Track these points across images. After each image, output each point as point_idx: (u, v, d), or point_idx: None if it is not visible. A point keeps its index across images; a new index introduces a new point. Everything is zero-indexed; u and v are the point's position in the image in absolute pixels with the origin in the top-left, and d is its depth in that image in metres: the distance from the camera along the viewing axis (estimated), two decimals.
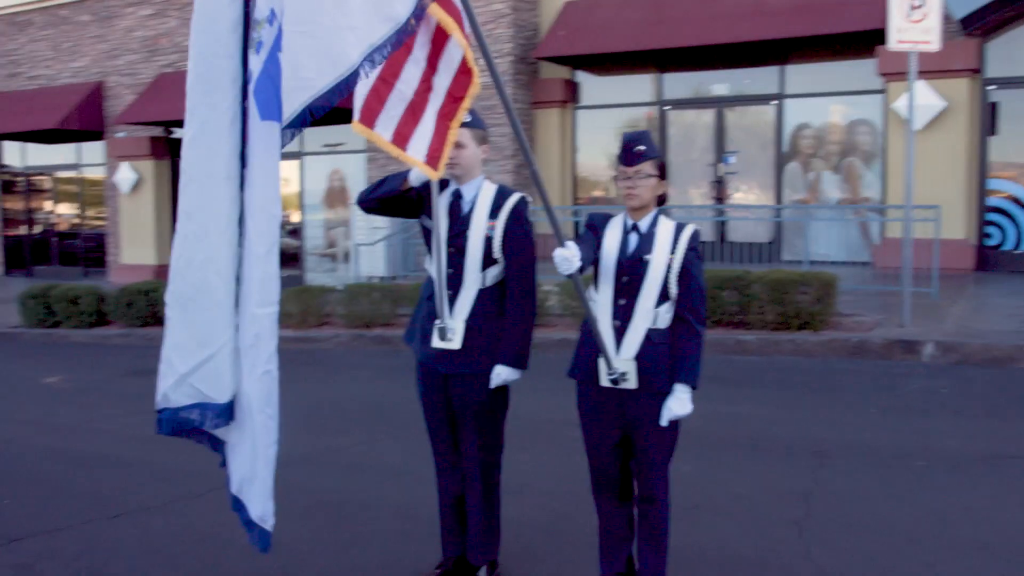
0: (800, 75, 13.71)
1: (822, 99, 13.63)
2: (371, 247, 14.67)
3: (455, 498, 4.09)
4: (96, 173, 19.96)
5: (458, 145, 3.84)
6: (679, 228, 3.62)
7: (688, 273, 3.55)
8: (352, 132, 15.70)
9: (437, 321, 3.91)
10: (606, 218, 3.74)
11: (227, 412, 3.27)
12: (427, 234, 4.00)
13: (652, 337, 3.56)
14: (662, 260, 3.56)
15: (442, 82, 3.78)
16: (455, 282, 3.91)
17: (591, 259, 3.58)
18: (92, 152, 19.81)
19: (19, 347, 12.33)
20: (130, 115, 17.66)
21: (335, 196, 17.11)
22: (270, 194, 3.04)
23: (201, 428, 3.32)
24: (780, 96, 13.83)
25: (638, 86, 14.97)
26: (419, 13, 2.99)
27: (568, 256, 3.32)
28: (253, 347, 3.10)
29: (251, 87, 3.00)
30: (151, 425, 7.28)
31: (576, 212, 14.34)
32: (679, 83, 14.71)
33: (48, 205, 21.00)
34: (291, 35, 2.83)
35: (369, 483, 5.59)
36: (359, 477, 5.73)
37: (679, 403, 3.54)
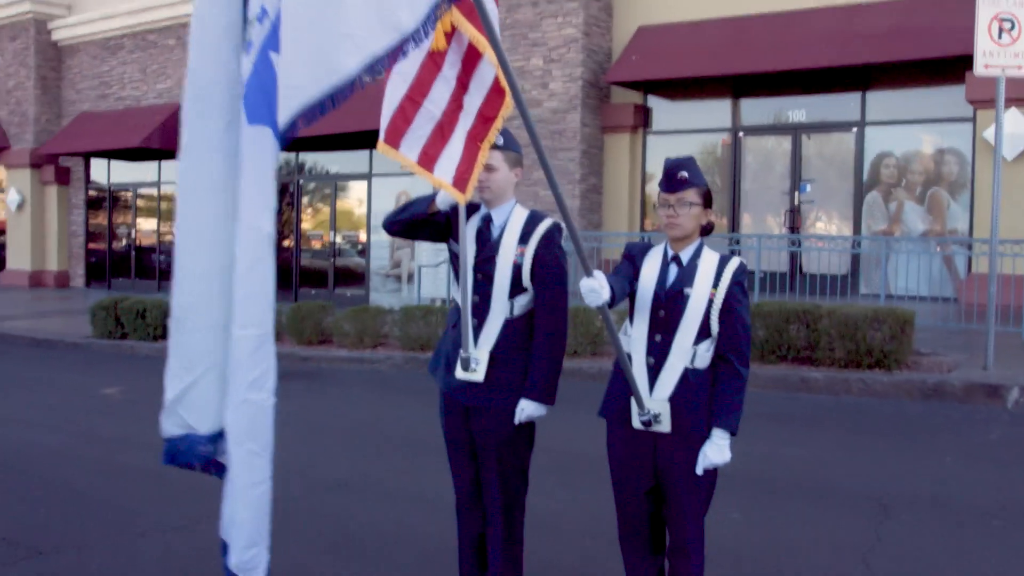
0: (883, 101, 13.20)
1: (906, 127, 13.10)
2: (435, 268, 14.57)
3: (475, 538, 3.85)
4: (174, 190, 20.29)
5: (489, 168, 3.63)
6: (724, 260, 3.34)
7: (732, 309, 3.27)
8: None
9: (461, 351, 3.68)
10: (645, 248, 3.48)
11: (212, 444, 3.01)
12: (455, 259, 3.79)
13: (689, 377, 3.28)
14: (703, 294, 3.28)
15: (473, 102, 3.58)
16: (481, 311, 3.68)
17: (625, 291, 3.32)
18: (171, 170, 20.19)
19: (87, 357, 12.46)
20: None
21: None
22: (258, 205, 2.76)
23: (197, 460, 3.09)
24: (861, 123, 13.33)
25: (712, 112, 14.61)
26: (430, 26, 2.75)
27: (595, 287, 3.06)
28: (234, 373, 2.83)
29: (241, 90, 2.80)
30: None
31: (644, 240, 14.02)
32: (755, 109, 14.32)
33: (129, 220, 21.41)
34: (286, 38, 2.63)
35: (401, 513, 5.37)
36: (391, 507, 5.50)
37: (716, 450, 3.24)
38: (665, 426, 3.28)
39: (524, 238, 3.64)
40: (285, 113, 2.63)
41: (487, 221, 3.73)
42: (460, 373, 3.69)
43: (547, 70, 14.93)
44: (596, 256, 14.15)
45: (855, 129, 13.38)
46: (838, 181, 13.65)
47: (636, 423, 3.31)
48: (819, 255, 12.95)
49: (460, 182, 3.55)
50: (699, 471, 3.27)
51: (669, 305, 3.30)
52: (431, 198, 3.68)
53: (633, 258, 3.45)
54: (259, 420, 2.85)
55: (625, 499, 3.43)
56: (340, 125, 16.21)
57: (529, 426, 3.72)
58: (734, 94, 14.32)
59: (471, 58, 3.52)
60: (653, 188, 15.30)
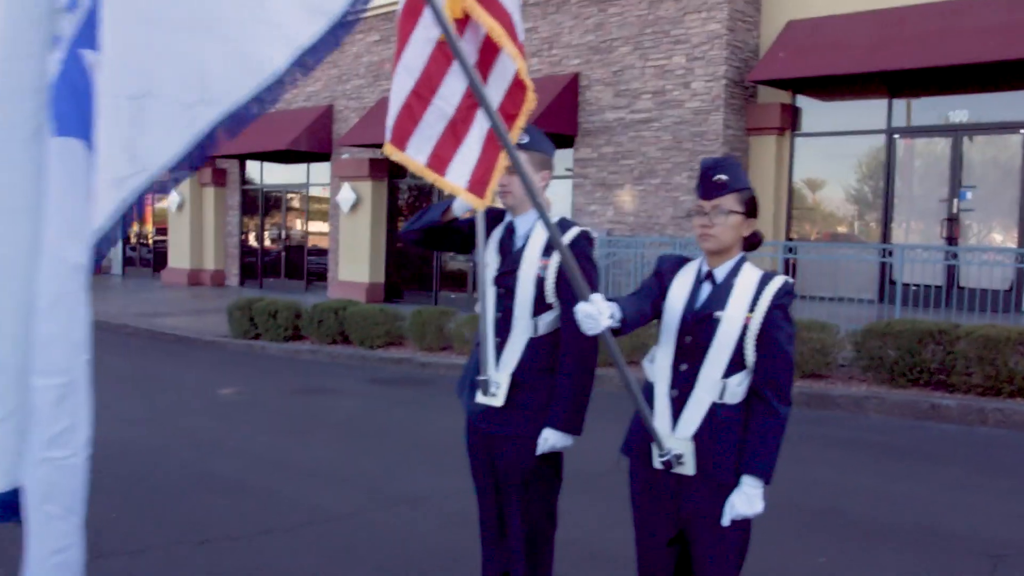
0: None
1: None
2: None
3: (499, 575, 3.50)
4: (322, 192, 20.75)
5: (511, 171, 3.26)
6: (765, 279, 2.87)
7: (770, 337, 2.79)
8: (559, 157, 15.23)
9: (480, 373, 3.35)
10: (679, 263, 3.04)
11: (8, 505, 2.41)
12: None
13: (717, 413, 2.83)
14: (737, 318, 2.81)
15: (493, 97, 3.21)
16: (503, 329, 3.33)
17: (645, 314, 2.89)
18: (320, 172, 20.62)
19: (220, 355, 12.75)
20: (352, 137, 18.17)
21: None
22: (65, 232, 2.20)
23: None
24: None
25: (866, 112, 13.63)
26: (361, 3, 2.34)
27: (591, 313, 2.63)
28: (34, 427, 2.32)
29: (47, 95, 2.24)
30: (289, 449, 7.15)
31: (791, 249, 13.23)
32: (912, 109, 13.27)
33: (279, 221, 22.03)
34: (184, 33, 2.20)
35: (462, 535, 5.06)
36: (455, 527, 5.20)
37: (745, 500, 2.77)
38: (689, 468, 2.84)
39: (548, 249, 3.27)
40: (199, 127, 2.23)
41: (510, 230, 3.38)
42: (480, 397, 3.35)
43: (689, 68, 14.34)
44: None
45: (1023, 131, 12.22)
46: (1002, 187, 12.47)
47: (656, 463, 2.89)
48: (979, 268, 11.86)
49: (477, 187, 3.20)
50: (725, 523, 2.81)
51: (697, 330, 2.85)
52: (447, 205, 3.36)
53: (662, 275, 3.02)
54: (62, 481, 2.36)
55: (645, 548, 2.99)
56: None
57: (555, 458, 3.34)
58: (890, 92, 13.31)
59: (490, 49, 3.17)
60: (801, 194, 14.48)
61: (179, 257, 23.17)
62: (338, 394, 9.70)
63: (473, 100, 3.20)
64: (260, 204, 22.33)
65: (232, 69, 2.19)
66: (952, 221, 12.69)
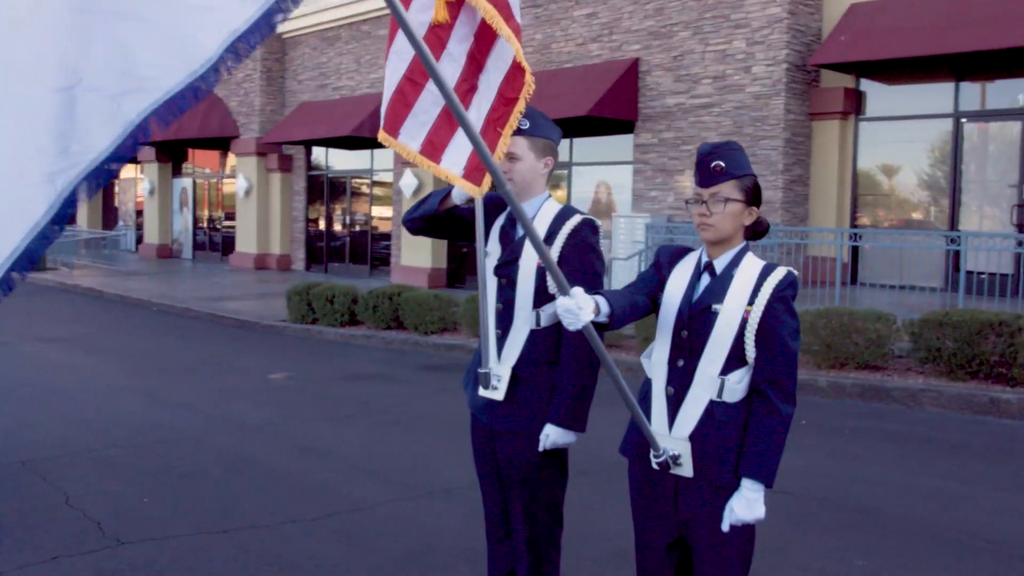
0: None
1: None
2: (625, 262, 14.05)
3: (504, 574, 3.43)
4: (386, 178, 20.86)
5: (511, 156, 3.18)
6: (767, 270, 2.74)
7: (771, 332, 2.66)
8: (620, 143, 15.09)
9: (481, 365, 3.27)
10: (679, 253, 2.92)
11: None
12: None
13: (715, 412, 2.71)
14: (735, 312, 2.69)
15: (491, 82, 3.12)
16: (504, 320, 3.26)
17: (637, 307, 2.78)
18: (383, 158, 20.73)
19: (278, 340, 12.89)
20: None
21: (600, 208, 16.65)
22: None
23: None
24: None
25: (932, 96, 13.18)
26: None
27: (571, 307, 2.54)
28: None
29: None
30: (328, 436, 7.13)
31: (855, 236, 12.87)
32: (980, 92, 12.80)
33: (344, 206, 22.21)
34: (112, 19, 2.10)
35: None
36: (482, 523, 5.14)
37: (744, 505, 2.65)
38: (687, 470, 2.74)
39: (549, 237, 3.18)
40: (129, 117, 2.10)
41: (512, 218, 3.29)
42: (481, 390, 3.29)
43: (750, 53, 14.03)
44: (800, 254, 13.19)
45: None
46: None
47: (652, 464, 2.78)
48: None
49: (474, 173, 3.13)
50: (724, 528, 2.70)
51: (693, 324, 2.74)
52: (446, 192, 3.29)
53: (661, 266, 2.91)
54: None
55: (644, 552, 2.90)
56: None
57: (559, 455, 3.26)
58: (956, 75, 12.86)
59: (488, 32, 3.08)
60: (867, 179, 14.09)
61: (246, 242, 23.53)
62: (387, 380, 9.72)
63: (469, 85, 3.13)
64: (325, 189, 22.54)
65: (164, 57, 2.11)
66: (1022, 207, 12.21)
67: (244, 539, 4.88)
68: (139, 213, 29.86)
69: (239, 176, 23.44)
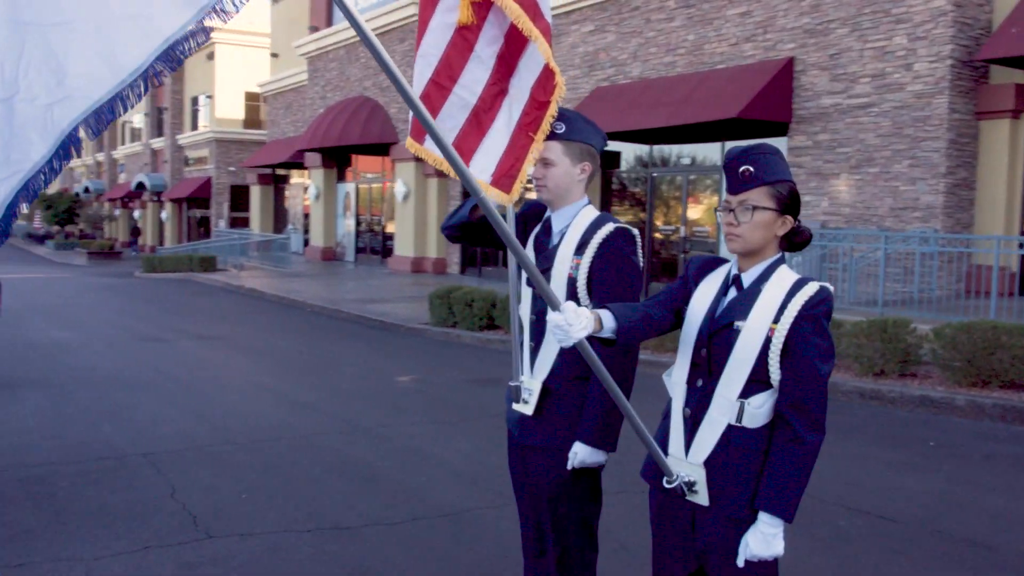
0: None
1: None
2: None
3: None
4: None
5: (545, 162, 3.05)
6: (798, 285, 2.49)
7: (798, 352, 2.42)
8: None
9: (512, 379, 3.16)
10: (710, 265, 2.71)
11: None
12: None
13: (734, 438, 2.50)
14: (759, 330, 2.47)
15: (523, 83, 3.00)
16: (538, 333, 3.12)
17: (653, 321, 2.59)
18: None
19: (417, 342, 13.09)
20: None
21: None
22: None
23: None
24: None
25: None
26: None
27: (559, 323, 2.38)
28: None
29: None
30: (434, 439, 7.10)
31: (1023, 245, 11.96)
32: None
33: None
34: (47, 30, 2.09)
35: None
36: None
37: (760, 540, 2.43)
38: (702, 497, 2.54)
39: (581, 247, 3.02)
40: (60, 125, 2.11)
41: (547, 226, 3.16)
42: (514, 404, 3.17)
43: (911, 49, 13.26)
44: (964, 262, 12.37)
45: None
46: None
47: (665, 488, 2.60)
48: None
49: (503, 180, 3.02)
50: (739, 563, 2.48)
51: (714, 341, 2.53)
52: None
53: (688, 278, 2.71)
54: None
55: None
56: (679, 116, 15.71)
57: (591, 475, 3.10)
58: None
59: (519, 34, 2.96)
60: None
61: (404, 245, 24.09)
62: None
63: (499, 88, 3.03)
64: None
65: (92, 66, 2.10)
66: None
67: (324, 540, 4.92)
68: (306, 216, 31.13)
69: (398, 181, 24.04)
